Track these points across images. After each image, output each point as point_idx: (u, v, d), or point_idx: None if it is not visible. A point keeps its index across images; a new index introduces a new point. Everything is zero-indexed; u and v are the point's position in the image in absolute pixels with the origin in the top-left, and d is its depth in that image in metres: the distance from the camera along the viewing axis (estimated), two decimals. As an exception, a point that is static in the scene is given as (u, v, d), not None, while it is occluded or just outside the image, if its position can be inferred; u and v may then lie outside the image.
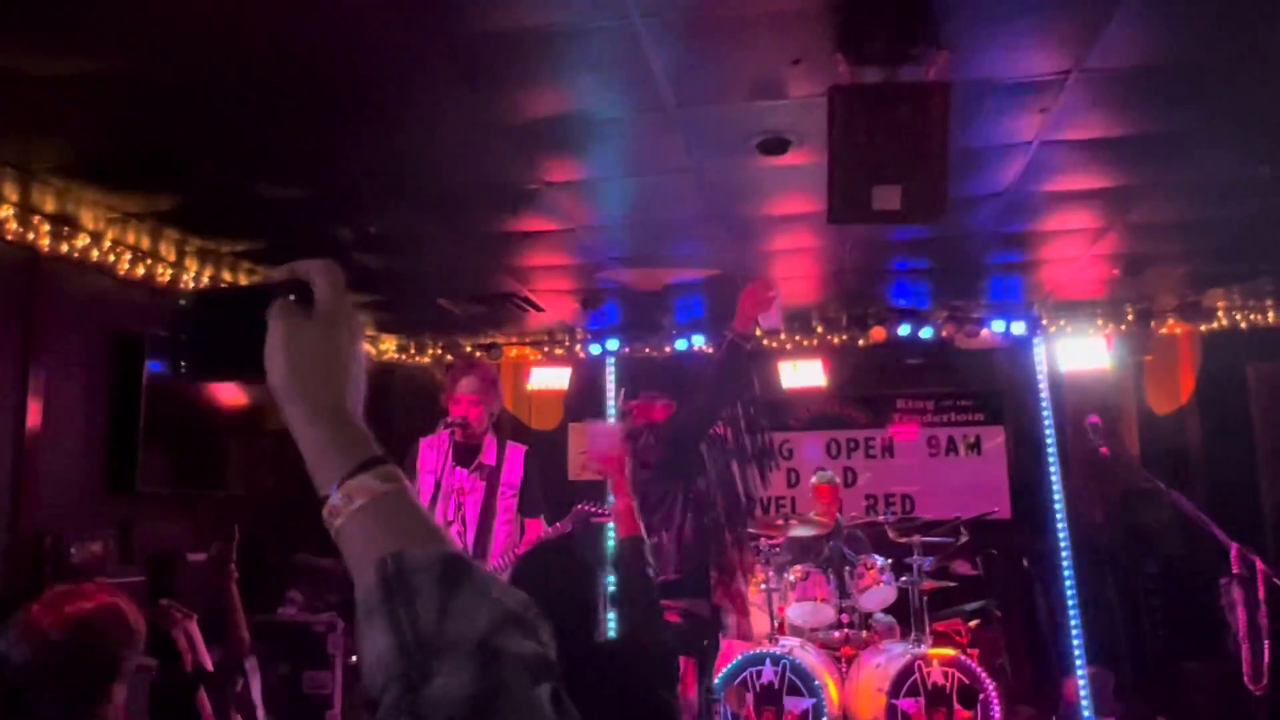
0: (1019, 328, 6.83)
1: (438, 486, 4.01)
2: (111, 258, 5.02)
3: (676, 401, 4.04)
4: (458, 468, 4.14)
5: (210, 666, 4.76)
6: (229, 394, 6.35)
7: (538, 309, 6.61)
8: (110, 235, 4.97)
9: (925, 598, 5.63)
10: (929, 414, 7.71)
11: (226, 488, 5.82)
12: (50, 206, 4.53)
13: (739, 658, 5.15)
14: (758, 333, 5.55)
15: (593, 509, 4.60)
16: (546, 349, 7.69)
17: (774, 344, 7.27)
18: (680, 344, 7.30)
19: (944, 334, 6.98)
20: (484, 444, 4.29)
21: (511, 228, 5.04)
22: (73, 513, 4.75)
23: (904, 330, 6.96)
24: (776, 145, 3.90)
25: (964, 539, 5.93)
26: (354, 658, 5.39)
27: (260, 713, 4.91)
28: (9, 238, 4.46)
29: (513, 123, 3.75)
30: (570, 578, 2.30)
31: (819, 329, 7.23)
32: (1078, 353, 6.80)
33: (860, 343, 7.18)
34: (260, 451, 6.26)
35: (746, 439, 3.77)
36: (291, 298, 0.84)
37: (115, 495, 5.06)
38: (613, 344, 7.42)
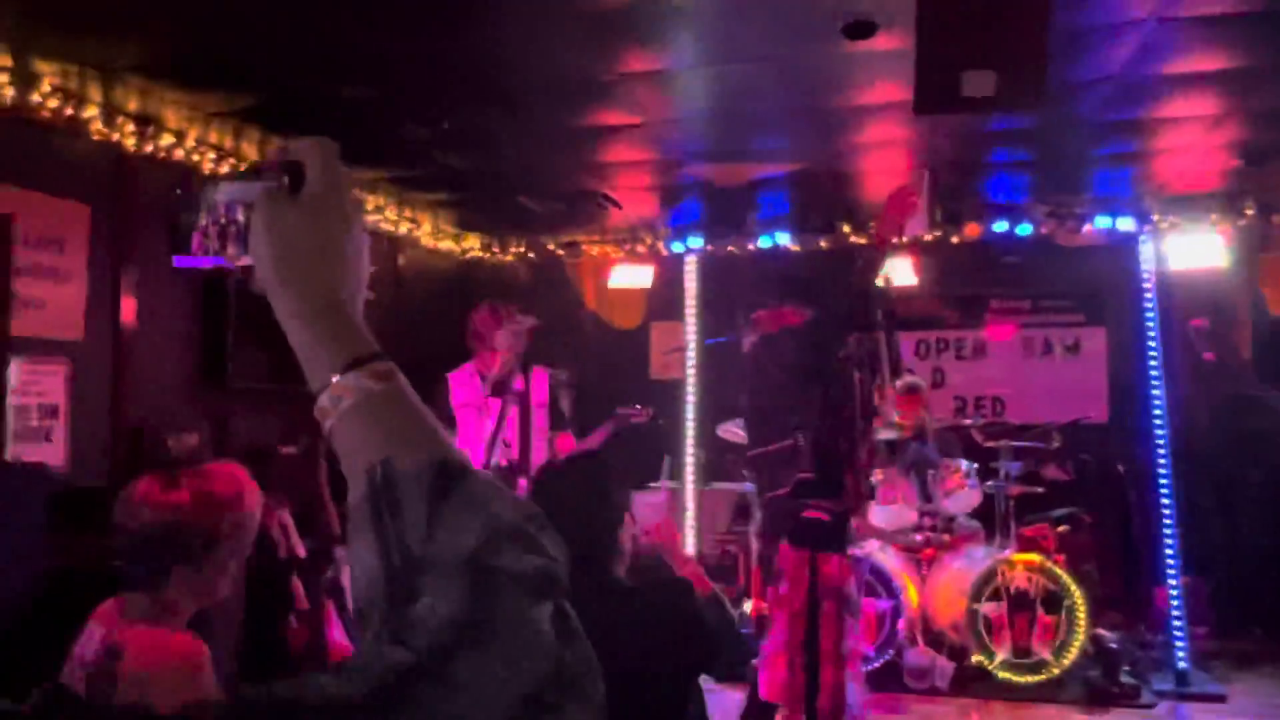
0: (1125, 224, 6.44)
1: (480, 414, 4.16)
2: (196, 157, 5.08)
3: (807, 306, 4.00)
4: (492, 397, 4.27)
5: (303, 554, 4.96)
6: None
7: (618, 206, 6.50)
8: (193, 134, 5.02)
9: (1012, 502, 5.50)
10: (1025, 314, 7.41)
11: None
12: (134, 106, 4.58)
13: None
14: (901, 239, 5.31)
15: (632, 411, 4.62)
16: (628, 247, 7.60)
17: (862, 240, 7.02)
18: (764, 241, 7.12)
19: (1043, 231, 6.63)
20: (515, 371, 4.39)
21: (588, 122, 4.91)
22: (168, 407, 4.93)
23: (1000, 227, 6.65)
24: (862, 28, 3.66)
25: (1056, 443, 5.75)
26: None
27: (350, 598, 5.10)
28: (95, 137, 4.53)
29: (587, 11, 3.60)
30: (591, 488, 2.22)
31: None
32: (1189, 250, 6.39)
33: (954, 240, 6.88)
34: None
35: (878, 344, 3.70)
36: (281, 180, 0.76)
37: (209, 390, 5.22)
38: (695, 241, 7.28)
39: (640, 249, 7.57)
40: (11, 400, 4.32)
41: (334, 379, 0.70)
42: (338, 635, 4.89)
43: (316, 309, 0.73)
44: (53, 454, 4.38)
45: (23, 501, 2.49)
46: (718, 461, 6.77)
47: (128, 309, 4.73)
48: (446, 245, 7.57)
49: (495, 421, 4.21)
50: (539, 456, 4.35)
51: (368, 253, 0.78)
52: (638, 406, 4.70)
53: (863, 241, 6.96)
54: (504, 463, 4.22)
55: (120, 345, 4.67)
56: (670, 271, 7.44)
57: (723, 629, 2.19)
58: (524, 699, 0.59)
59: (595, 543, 2.11)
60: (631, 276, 7.48)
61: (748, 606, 5.84)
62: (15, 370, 4.30)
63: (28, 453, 4.15)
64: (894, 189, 3.73)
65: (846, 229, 6.97)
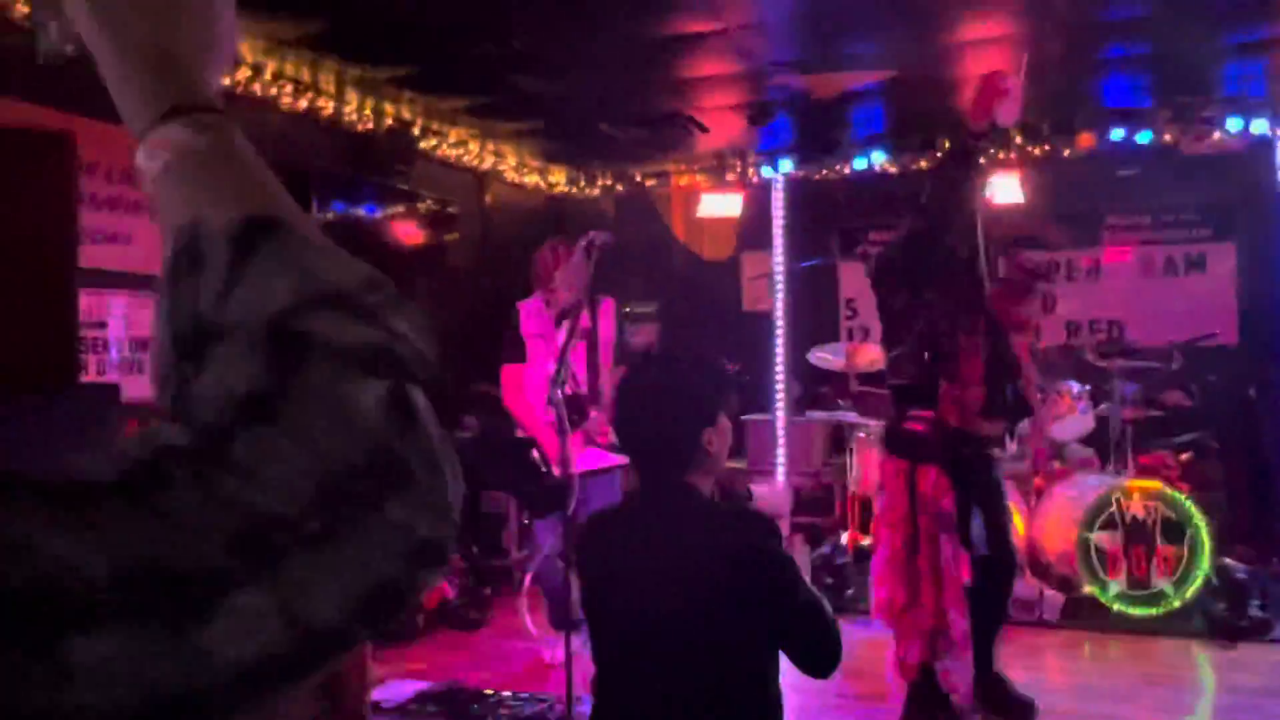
0: (1259, 126, 5.89)
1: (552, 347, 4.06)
2: (274, 90, 5.06)
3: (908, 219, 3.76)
4: (560, 330, 4.18)
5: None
6: (406, 228, 6.46)
7: (704, 129, 6.26)
8: (270, 68, 5.00)
9: (1128, 428, 5.15)
10: (1144, 230, 6.91)
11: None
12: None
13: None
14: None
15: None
16: (716, 175, 7.37)
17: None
18: (859, 162, 6.80)
19: (1165, 138, 6.13)
20: (580, 305, 4.29)
21: (666, 31, 4.69)
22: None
23: (1117, 135, 6.17)
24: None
25: (1177, 365, 5.34)
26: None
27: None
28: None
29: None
30: (674, 381, 2.03)
31: (1016, 138, 6.52)
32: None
33: (1066, 153, 6.42)
34: (438, 284, 6.38)
35: (977, 251, 3.46)
36: None
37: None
38: (786, 165, 7.01)
39: (729, 176, 7.33)
40: (111, 333, 4.41)
41: (149, 133, 0.56)
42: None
43: (137, 52, 0.58)
44: (146, 386, 4.46)
45: (96, 421, 2.48)
46: (811, 391, 6.54)
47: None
48: (533, 180, 7.47)
49: (559, 352, 4.19)
50: (607, 390, 4.30)
51: (232, 22, 0.62)
52: (729, 364, 4.58)
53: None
54: (570, 394, 4.17)
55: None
56: (761, 199, 7.21)
57: (810, 613, 1.88)
58: (321, 486, 0.47)
59: (670, 440, 1.95)
60: (720, 205, 7.26)
61: (844, 538, 5.67)
62: (115, 304, 4.37)
63: (130, 384, 4.24)
64: (985, 74, 3.41)
65: (947, 145, 6.59)
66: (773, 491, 6.32)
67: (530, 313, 4.37)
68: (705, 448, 1.95)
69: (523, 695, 3.56)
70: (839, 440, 6.23)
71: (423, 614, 4.77)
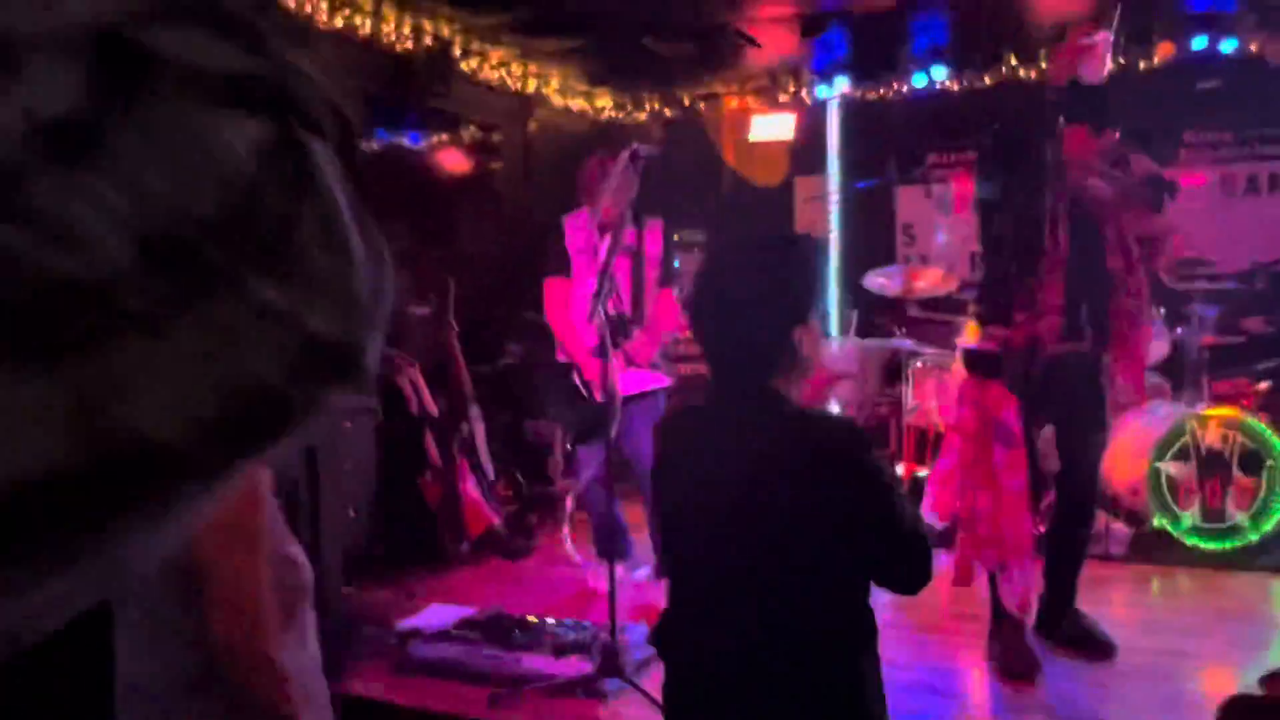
0: (1357, 30, 5.46)
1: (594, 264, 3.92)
2: (308, 8, 4.91)
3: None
4: (601, 244, 4.06)
5: (435, 412, 4.91)
6: (453, 157, 6.32)
7: (754, 44, 5.98)
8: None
9: (1205, 354, 4.87)
10: (1225, 148, 6.50)
11: (449, 245, 5.85)
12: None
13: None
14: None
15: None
16: (769, 96, 7.08)
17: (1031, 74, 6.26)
18: (918, 80, 6.47)
19: (1251, 47, 5.72)
20: (625, 223, 4.17)
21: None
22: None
23: (1199, 44, 5.77)
24: None
25: (1259, 286, 5.02)
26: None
27: (485, 457, 5.05)
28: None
29: None
30: (765, 272, 1.77)
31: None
32: None
33: (1141, 65, 6.03)
34: (485, 212, 6.25)
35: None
36: None
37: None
38: (841, 84, 6.70)
39: (782, 97, 7.04)
40: None
41: None
42: (471, 490, 4.85)
43: None
44: None
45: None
46: (866, 318, 6.32)
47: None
48: (578, 104, 7.26)
49: (602, 268, 4.11)
50: (650, 310, 4.19)
51: None
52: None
53: (1032, 75, 6.22)
54: (612, 313, 4.04)
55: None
56: (815, 121, 6.93)
57: (905, 527, 1.70)
58: (149, 247, 0.33)
59: (756, 339, 1.74)
60: (773, 128, 6.99)
61: (900, 470, 5.49)
62: None
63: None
64: (1077, 25, 3.19)
65: (1013, 61, 6.23)
66: (841, 352, 6.09)
67: (576, 226, 4.22)
68: (795, 351, 1.74)
69: (566, 623, 3.48)
70: (895, 368, 6.01)
71: (468, 542, 4.73)
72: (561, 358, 4.36)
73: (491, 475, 5.06)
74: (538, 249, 4.67)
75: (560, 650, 3.19)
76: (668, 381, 4.29)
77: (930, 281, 5.62)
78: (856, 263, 6.45)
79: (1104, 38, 3.23)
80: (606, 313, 3.41)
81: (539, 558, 4.85)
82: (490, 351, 5.73)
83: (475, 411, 5.15)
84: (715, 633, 1.74)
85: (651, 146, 3.70)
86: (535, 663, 3.17)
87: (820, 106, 6.94)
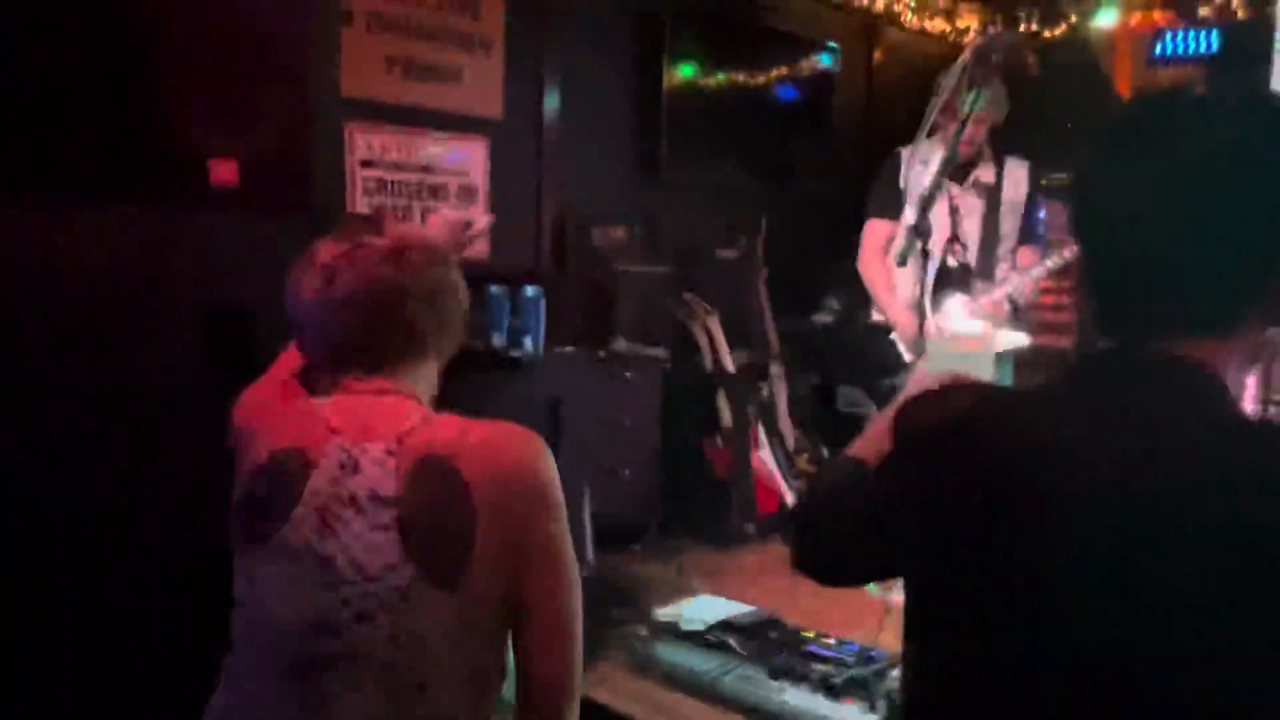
0: None
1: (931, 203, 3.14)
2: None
3: None
4: (951, 183, 3.45)
5: (731, 368, 4.34)
6: (782, 87, 5.64)
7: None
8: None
9: None
10: None
11: (767, 181, 5.19)
12: None
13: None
14: None
15: None
16: (1186, 7, 5.68)
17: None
18: None
19: None
20: (981, 158, 3.63)
21: None
22: (596, 199, 4.50)
23: None
24: None
25: None
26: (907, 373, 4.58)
27: (785, 424, 4.40)
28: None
29: None
30: None
31: None
32: None
33: None
34: (815, 142, 5.53)
35: None
36: None
37: (641, 185, 4.72)
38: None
39: (1203, 10, 5.62)
40: (422, 178, 3.86)
41: None
42: (765, 457, 4.24)
43: None
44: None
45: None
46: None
47: (551, 96, 4.29)
48: (937, 26, 6.25)
49: (948, 214, 3.35)
50: (1003, 264, 3.50)
51: None
52: None
53: None
54: (954, 264, 3.22)
55: (542, 129, 4.27)
56: (1238, 37, 5.45)
57: None
58: None
59: (1238, 279, 0.98)
60: (1185, 46, 5.59)
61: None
62: (427, 145, 3.90)
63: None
64: None
65: None
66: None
67: (915, 157, 3.43)
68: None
69: (850, 646, 2.77)
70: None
71: (755, 522, 4.13)
72: (878, 315, 3.62)
73: (791, 445, 4.41)
74: (869, 189, 3.98)
75: (832, 689, 2.49)
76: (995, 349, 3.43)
77: None
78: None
79: None
80: (941, 264, 2.67)
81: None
82: (804, 304, 5.04)
83: (778, 370, 4.52)
84: None
85: (1011, 35, 2.82)
86: (800, 699, 2.50)
87: (1253, 20, 5.45)
